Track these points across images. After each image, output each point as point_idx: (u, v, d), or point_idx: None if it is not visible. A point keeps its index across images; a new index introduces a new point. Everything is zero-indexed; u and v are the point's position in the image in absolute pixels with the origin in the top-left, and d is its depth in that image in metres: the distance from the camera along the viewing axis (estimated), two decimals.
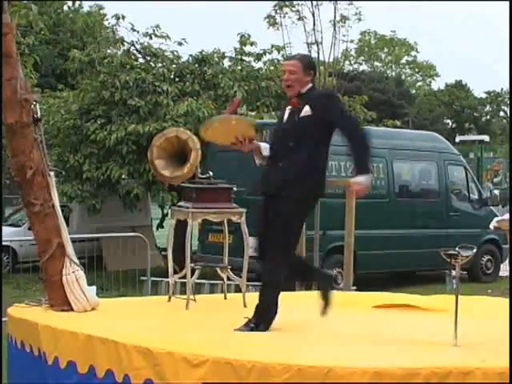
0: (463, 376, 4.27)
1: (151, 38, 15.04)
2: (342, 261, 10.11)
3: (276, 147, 5.60)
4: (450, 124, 68.75)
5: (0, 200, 12.54)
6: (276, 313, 5.52)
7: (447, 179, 14.34)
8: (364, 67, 65.73)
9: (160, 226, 16.36)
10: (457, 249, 5.07)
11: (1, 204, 12.73)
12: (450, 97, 67.43)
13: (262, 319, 5.44)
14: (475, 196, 14.78)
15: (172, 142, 6.51)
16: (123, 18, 15.23)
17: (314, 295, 6.86)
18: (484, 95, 71.65)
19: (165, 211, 16.54)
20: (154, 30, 15.02)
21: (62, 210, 6.23)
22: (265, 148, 5.66)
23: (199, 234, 13.08)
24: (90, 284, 6.31)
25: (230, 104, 5.87)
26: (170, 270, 6.71)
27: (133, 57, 15.18)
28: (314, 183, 5.48)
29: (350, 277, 9.64)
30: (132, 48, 15.23)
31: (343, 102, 5.59)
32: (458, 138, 46.42)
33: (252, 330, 5.36)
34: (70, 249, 5.98)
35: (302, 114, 5.44)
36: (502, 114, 73.18)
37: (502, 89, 71.80)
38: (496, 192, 15.43)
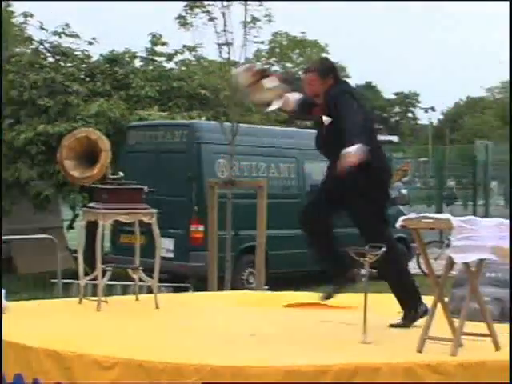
0: (372, 372, 4.36)
1: (60, 36, 14.81)
2: (254, 261, 10.18)
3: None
4: None
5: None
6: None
7: None
8: (276, 68, 66.24)
9: (70, 227, 16.12)
10: (366, 247, 5.17)
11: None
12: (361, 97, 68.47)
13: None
14: None
15: (82, 142, 6.45)
16: (31, 16, 14.97)
17: (225, 296, 6.89)
18: (393, 96, 73.13)
19: (76, 212, 16.31)
20: (63, 29, 14.78)
21: None
22: (294, 99, 5.92)
23: (111, 235, 12.95)
24: None
25: None
26: (81, 271, 6.64)
27: (42, 56, 14.93)
28: None
29: (262, 277, 9.73)
30: (41, 47, 14.97)
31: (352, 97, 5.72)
32: None
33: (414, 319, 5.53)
34: None
35: (326, 125, 5.68)
36: (410, 115, 74.85)
37: (410, 90, 73.43)
38: (404, 191, 15.72)
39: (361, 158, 5.23)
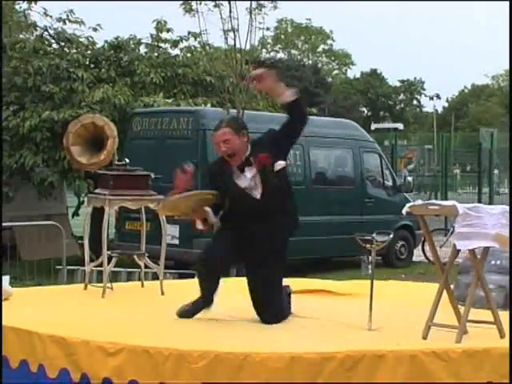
0: (377, 359, 4.36)
1: (65, 23, 14.78)
2: None
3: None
4: (366, 112, 69.84)
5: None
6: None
7: (362, 166, 14.54)
8: (281, 55, 66.18)
9: (76, 213, 16.14)
10: (373, 235, 5.16)
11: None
12: (366, 85, 68.45)
13: None
14: (389, 183, 15.03)
15: (88, 128, 6.44)
16: (35, 1, 14.93)
17: (231, 282, 6.90)
18: (398, 84, 72.96)
19: (81, 199, 16.33)
20: (67, 15, 14.75)
21: None
22: (212, 216, 5.41)
23: (116, 221, 12.95)
24: (3, 274, 6.19)
25: (178, 176, 5.74)
26: (87, 258, 6.64)
27: (46, 42, 14.91)
28: None
29: None
30: (45, 33, 14.94)
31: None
32: (373, 126, 47.22)
33: None
34: None
35: (277, 168, 5.24)
36: (415, 102, 74.69)
37: (415, 78, 73.24)
38: (409, 179, 15.71)
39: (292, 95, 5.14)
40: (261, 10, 10.35)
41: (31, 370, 4.71)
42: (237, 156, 5.25)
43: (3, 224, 12.63)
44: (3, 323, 4.97)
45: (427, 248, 14.01)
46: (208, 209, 5.36)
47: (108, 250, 6.57)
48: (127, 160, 6.61)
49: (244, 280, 5.72)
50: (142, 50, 15.33)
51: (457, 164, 29.72)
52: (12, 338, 4.84)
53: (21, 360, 4.76)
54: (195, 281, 9.10)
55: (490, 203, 18.93)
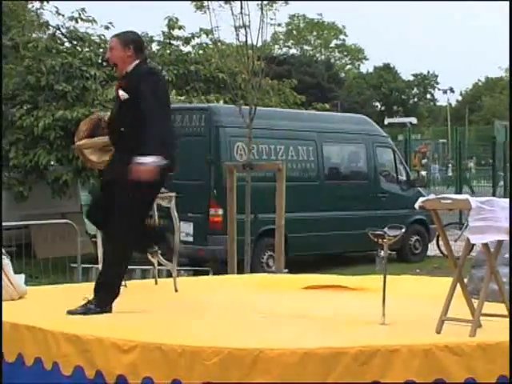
0: (390, 353, 4.34)
1: (77, 21, 14.85)
2: (273, 244, 10.18)
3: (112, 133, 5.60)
4: (379, 107, 69.64)
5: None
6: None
7: (376, 161, 14.52)
8: (293, 51, 66.11)
9: None
10: (385, 229, 5.14)
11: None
12: (379, 80, 68.28)
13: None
14: (403, 177, 15.01)
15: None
16: (47, 1, 15.01)
17: (245, 279, 6.90)
18: (411, 78, 72.73)
19: None
20: (79, 14, 14.83)
21: None
22: None
23: None
24: (18, 272, 6.22)
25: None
26: (100, 256, 6.65)
27: (58, 41, 14.97)
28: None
29: (282, 260, 9.72)
30: (57, 32, 15.01)
31: (157, 81, 5.46)
32: (386, 121, 47.08)
33: (89, 310, 5.33)
34: None
35: (122, 98, 5.35)
36: (428, 96, 74.40)
37: (428, 71, 73.01)
38: (423, 173, 15.68)
39: (153, 175, 5.07)
40: (272, 6, 10.32)
41: (45, 368, 4.73)
42: (118, 67, 5.49)
43: (19, 223, 12.72)
44: (19, 322, 4.99)
45: (442, 242, 13.97)
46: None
47: None
48: None
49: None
50: (154, 47, 15.38)
51: (473, 157, 29.59)
52: (27, 336, 4.86)
53: (35, 358, 4.78)
54: (209, 277, 9.15)
55: (505, 196, 18.85)
